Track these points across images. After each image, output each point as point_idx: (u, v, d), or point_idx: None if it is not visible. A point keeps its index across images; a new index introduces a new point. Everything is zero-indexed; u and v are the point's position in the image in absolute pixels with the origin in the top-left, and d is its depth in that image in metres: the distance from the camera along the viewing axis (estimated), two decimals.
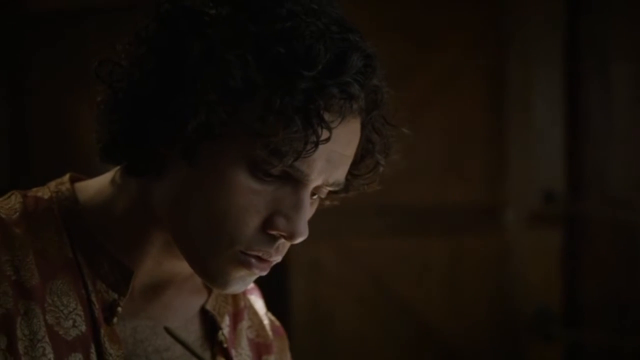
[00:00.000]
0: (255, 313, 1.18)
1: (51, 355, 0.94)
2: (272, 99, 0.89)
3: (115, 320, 1.00)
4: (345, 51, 0.92)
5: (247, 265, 0.96)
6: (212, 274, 0.98)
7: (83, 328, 0.98)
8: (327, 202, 1.06)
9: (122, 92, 0.94)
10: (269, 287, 1.25)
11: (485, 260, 3.82)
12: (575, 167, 3.55)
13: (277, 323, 1.22)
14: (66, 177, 1.06)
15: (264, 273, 0.99)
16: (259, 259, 0.96)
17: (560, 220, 3.56)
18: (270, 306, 1.21)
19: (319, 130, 0.90)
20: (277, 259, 0.99)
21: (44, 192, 1.03)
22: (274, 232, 0.95)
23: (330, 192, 1.03)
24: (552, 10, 3.46)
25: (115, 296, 1.00)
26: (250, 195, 0.93)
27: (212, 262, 0.96)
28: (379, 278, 3.84)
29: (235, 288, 0.99)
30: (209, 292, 1.11)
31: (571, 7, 3.41)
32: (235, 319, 1.14)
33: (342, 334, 3.75)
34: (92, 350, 0.98)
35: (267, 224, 0.95)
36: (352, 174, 1.03)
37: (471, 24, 3.56)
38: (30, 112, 3.79)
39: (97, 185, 1.04)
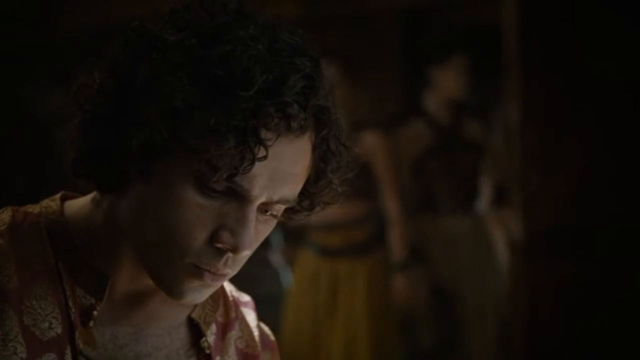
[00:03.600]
0: (246, 325, 1.22)
1: (23, 354, 1.01)
2: (208, 118, 0.94)
3: (91, 323, 1.06)
4: (284, 73, 0.96)
5: (200, 277, 1.02)
6: (167, 285, 1.03)
7: (59, 330, 1.04)
8: (285, 219, 1.10)
9: (88, 113, 1.02)
10: None
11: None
12: None
13: (272, 338, 1.26)
14: (58, 194, 1.14)
15: (217, 284, 1.05)
16: (210, 272, 1.01)
17: None
18: None
19: (255, 148, 0.94)
20: (228, 272, 1.03)
21: (34, 207, 1.12)
22: (219, 245, 1.00)
23: (292, 210, 1.08)
24: None
25: (93, 301, 1.07)
26: (198, 210, 0.99)
27: (166, 273, 1.02)
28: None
29: (190, 298, 1.04)
30: None
31: None
32: (225, 329, 1.18)
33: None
34: (68, 351, 1.04)
35: (213, 238, 1.00)
36: (309, 192, 1.07)
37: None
38: None
39: (82, 202, 1.12)
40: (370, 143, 3.94)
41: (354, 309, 3.95)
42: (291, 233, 4.11)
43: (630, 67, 3.67)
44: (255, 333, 1.22)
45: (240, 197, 0.99)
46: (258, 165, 0.96)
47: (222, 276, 1.03)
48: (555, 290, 3.81)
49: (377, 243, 4.07)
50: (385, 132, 4.10)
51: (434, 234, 4.22)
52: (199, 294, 1.04)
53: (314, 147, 1.03)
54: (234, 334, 1.19)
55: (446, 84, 4.26)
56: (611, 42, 3.66)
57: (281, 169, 0.99)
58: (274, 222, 1.06)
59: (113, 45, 1.02)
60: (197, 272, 1.01)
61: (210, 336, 1.16)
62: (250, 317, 1.24)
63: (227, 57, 0.95)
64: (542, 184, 3.80)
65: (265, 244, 3.59)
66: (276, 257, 4.28)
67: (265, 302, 4.51)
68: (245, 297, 1.26)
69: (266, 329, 1.26)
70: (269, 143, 0.95)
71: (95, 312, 1.07)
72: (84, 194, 1.13)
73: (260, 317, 1.25)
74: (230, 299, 1.22)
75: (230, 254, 1.01)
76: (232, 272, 1.04)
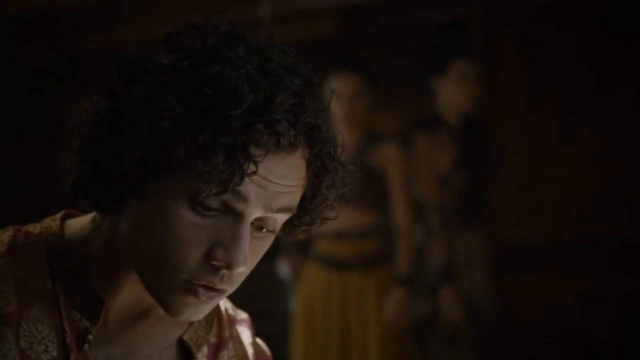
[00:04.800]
0: (240, 343, 1.23)
1: None
2: (197, 137, 0.95)
3: (86, 347, 1.08)
4: (273, 91, 0.97)
5: (194, 294, 1.02)
6: (164, 301, 1.04)
7: (54, 353, 1.06)
8: (285, 234, 1.11)
9: (85, 136, 1.04)
10: None
11: None
12: None
13: (268, 353, 1.27)
14: (59, 214, 1.15)
15: (214, 302, 1.05)
16: (206, 287, 1.02)
17: None
18: None
19: (245, 164, 0.95)
20: (225, 287, 1.04)
21: (35, 227, 1.13)
22: (215, 263, 1.01)
23: (291, 225, 1.09)
24: None
25: (88, 324, 1.08)
26: (192, 228, 1.00)
27: (162, 290, 1.03)
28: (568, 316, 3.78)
29: (186, 315, 1.05)
30: (190, 323, 1.17)
31: None
32: (217, 349, 1.20)
33: None
34: None
35: (209, 255, 1.01)
36: (307, 208, 1.08)
37: None
38: None
39: (82, 222, 1.13)
40: (387, 154, 3.89)
41: (367, 324, 3.83)
42: (298, 242, 3.95)
43: (607, 88, 3.69)
44: (250, 351, 1.23)
45: (234, 214, 1.00)
46: (249, 182, 0.97)
47: (219, 292, 1.04)
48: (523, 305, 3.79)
49: (388, 255, 3.90)
50: (408, 140, 3.99)
51: (459, 250, 4.00)
52: (195, 311, 1.05)
53: (308, 164, 1.04)
54: (226, 353, 1.20)
55: (446, 95, 4.06)
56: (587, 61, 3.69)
57: (274, 185, 1.00)
58: (271, 239, 1.07)
59: (109, 69, 1.05)
60: (192, 288, 1.02)
61: (201, 358, 1.17)
62: (245, 335, 1.25)
63: (216, 78, 0.97)
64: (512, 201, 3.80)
65: (275, 253, 3.49)
66: (284, 269, 4.13)
67: (272, 317, 4.38)
68: (242, 315, 1.27)
69: (262, 344, 1.27)
70: (258, 159, 0.96)
71: (90, 336, 1.08)
72: (87, 211, 1.14)
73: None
74: (225, 318, 1.23)
75: (225, 270, 1.01)
76: (230, 288, 1.05)
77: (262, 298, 4.61)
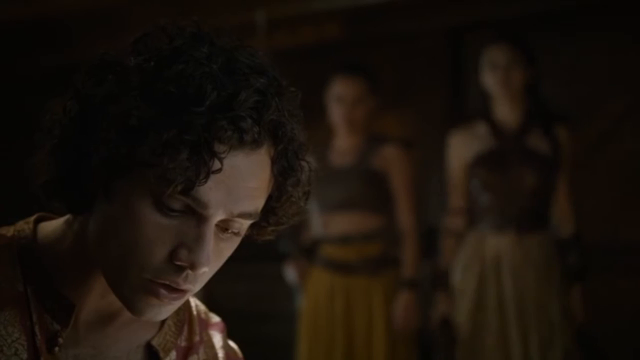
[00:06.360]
0: (211, 347, 1.25)
1: None
2: (161, 134, 0.96)
3: (56, 349, 1.09)
4: (237, 89, 0.99)
5: (156, 295, 1.04)
6: (127, 301, 1.05)
7: (24, 356, 1.07)
8: (252, 235, 1.12)
9: (55, 138, 1.05)
10: None
11: None
12: None
13: (240, 355, 1.29)
14: (32, 216, 1.16)
15: (177, 303, 1.06)
16: (169, 288, 1.03)
17: None
18: None
19: (210, 161, 0.97)
20: (189, 287, 1.05)
21: (8, 230, 1.14)
22: (178, 263, 1.02)
23: (258, 226, 1.10)
24: None
25: (59, 328, 1.09)
26: (157, 228, 1.01)
27: (126, 290, 1.05)
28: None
29: (149, 315, 1.06)
30: (160, 327, 1.19)
31: None
32: (187, 353, 1.21)
33: None
34: None
35: (173, 255, 1.02)
36: (273, 207, 1.09)
37: None
38: None
39: (55, 225, 1.14)
40: (390, 155, 3.84)
41: (372, 328, 3.79)
42: (304, 246, 4.00)
43: None
44: (220, 354, 1.25)
45: (198, 215, 1.01)
46: (214, 180, 0.98)
47: (181, 293, 1.05)
48: None
49: (394, 259, 3.85)
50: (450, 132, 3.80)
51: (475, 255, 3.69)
52: (158, 312, 1.06)
53: (273, 162, 1.06)
54: (196, 357, 1.22)
55: (485, 85, 3.71)
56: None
57: (238, 184, 1.01)
58: (237, 240, 1.08)
59: (78, 73, 1.06)
60: (154, 289, 1.03)
61: None
62: (217, 338, 1.26)
63: (180, 76, 0.99)
64: None
65: (281, 258, 3.48)
66: (291, 273, 4.06)
67: (280, 319, 4.33)
68: (215, 319, 1.29)
69: (234, 346, 1.30)
70: (222, 155, 0.98)
71: (60, 339, 1.09)
72: (63, 214, 1.14)
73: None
74: (197, 322, 1.24)
75: (189, 271, 1.03)
76: (194, 288, 1.06)
77: (270, 301, 4.54)
